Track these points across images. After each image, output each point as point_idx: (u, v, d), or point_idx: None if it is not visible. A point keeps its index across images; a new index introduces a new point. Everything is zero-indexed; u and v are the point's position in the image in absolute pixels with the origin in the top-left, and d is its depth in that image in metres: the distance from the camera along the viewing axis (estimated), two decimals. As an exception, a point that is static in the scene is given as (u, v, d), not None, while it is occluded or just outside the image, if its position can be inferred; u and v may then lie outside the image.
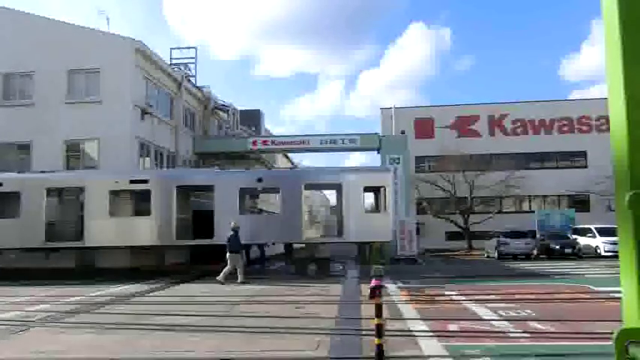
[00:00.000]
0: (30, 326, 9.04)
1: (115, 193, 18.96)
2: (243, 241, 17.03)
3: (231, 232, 16.52)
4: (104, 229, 18.24)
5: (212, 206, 18.59)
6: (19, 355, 6.87)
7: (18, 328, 8.86)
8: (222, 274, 16.13)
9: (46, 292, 14.24)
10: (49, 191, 18.75)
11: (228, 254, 16.45)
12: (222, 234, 17.46)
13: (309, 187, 19.11)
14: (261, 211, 28.04)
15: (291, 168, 23.03)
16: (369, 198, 19.06)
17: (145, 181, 18.77)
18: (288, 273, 20.13)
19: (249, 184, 19.34)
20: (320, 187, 20.24)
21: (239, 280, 15.88)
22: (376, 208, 19.64)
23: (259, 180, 18.91)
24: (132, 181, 18.97)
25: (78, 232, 18.53)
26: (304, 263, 18.93)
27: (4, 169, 21.62)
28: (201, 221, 18.98)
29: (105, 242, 18.56)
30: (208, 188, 19.09)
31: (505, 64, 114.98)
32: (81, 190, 18.86)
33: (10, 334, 8.34)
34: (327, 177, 19.82)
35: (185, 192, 19.74)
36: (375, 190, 19.55)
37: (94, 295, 13.48)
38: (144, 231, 18.39)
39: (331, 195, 56.60)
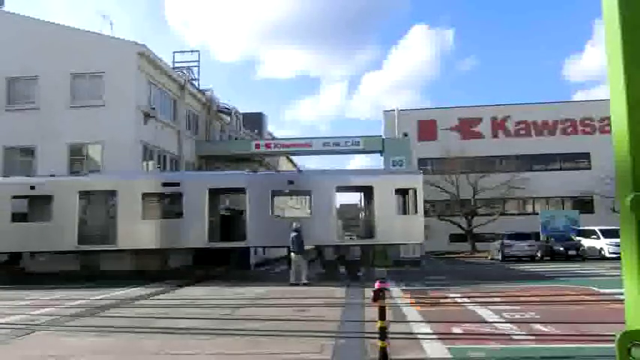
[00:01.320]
0: (34, 330, 9.06)
1: (147, 196, 19.01)
2: (273, 244, 16.97)
3: (294, 234, 16.55)
4: (137, 231, 18.23)
5: (243, 208, 18.58)
6: (23, 359, 6.88)
7: (22, 331, 8.87)
8: (291, 277, 16.24)
9: (50, 295, 14.27)
10: (82, 194, 18.71)
11: (291, 255, 16.51)
12: (254, 237, 17.47)
13: (340, 189, 19.10)
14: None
15: (322, 170, 23.03)
16: (394, 200, 18.91)
17: (176, 184, 18.84)
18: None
19: (281, 187, 19.36)
20: (351, 189, 20.27)
21: (301, 281, 15.92)
22: (404, 210, 19.53)
23: (291, 182, 18.91)
24: (164, 184, 19.07)
25: (111, 235, 18.52)
26: (334, 266, 18.91)
27: (9, 173, 21.72)
28: (230, 224, 18.97)
29: (138, 245, 18.56)
30: (240, 190, 19.12)
31: (508, 65, 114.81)
32: (113, 192, 18.84)
33: (15, 338, 8.35)
34: (358, 179, 19.82)
35: (215, 194, 19.72)
36: (404, 192, 19.50)
37: (97, 298, 13.50)
38: (176, 233, 18.39)
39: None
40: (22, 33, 24.01)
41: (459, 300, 11.97)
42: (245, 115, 36.58)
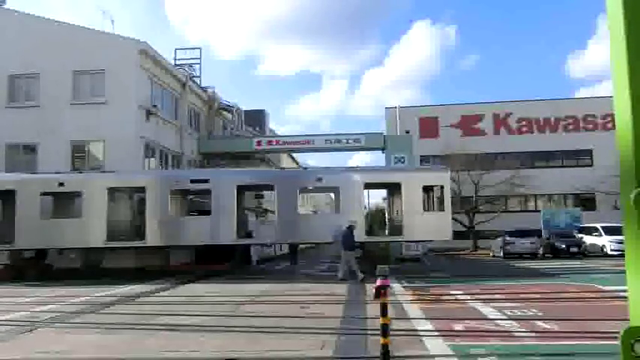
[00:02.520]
0: (37, 326, 9.08)
1: (175, 193, 19.06)
2: (297, 241, 17.04)
3: (346, 230, 16.60)
4: (165, 228, 18.27)
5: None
6: (25, 356, 6.90)
7: (25, 328, 8.89)
8: (340, 272, 16.35)
9: (53, 292, 14.29)
10: (110, 191, 18.74)
11: (342, 251, 16.54)
12: (283, 234, 17.58)
13: (368, 186, 19.11)
14: (266, 211, 28.07)
15: (350, 167, 23.13)
16: (422, 197, 18.91)
17: (205, 181, 18.88)
18: (293, 273, 20.15)
19: (309, 184, 19.37)
20: (379, 186, 20.29)
21: (358, 278, 15.94)
22: (431, 207, 19.51)
23: (319, 179, 18.92)
24: (192, 181, 19.12)
25: (140, 231, 18.57)
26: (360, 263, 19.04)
27: (11, 170, 21.76)
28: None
29: (166, 242, 18.63)
30: (269, 188, 19.14)
31: (510, 62, 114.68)
32: (142, 189, 18.88)
33: (17, 335, 8.38)
34: (386, 176, 19.83)
35: (241, 192, 19.80)
36: (428, 189, 19.49)
37: (99, 295, 13.52)
38: (204, 230, 18.43)
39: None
40: (24, 30, 24.03)
41: (460, 297, 11.97)
42: (247, 112, 36.58)
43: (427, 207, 19.07)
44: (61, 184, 18.51)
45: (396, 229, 19.17)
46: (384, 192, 23.13)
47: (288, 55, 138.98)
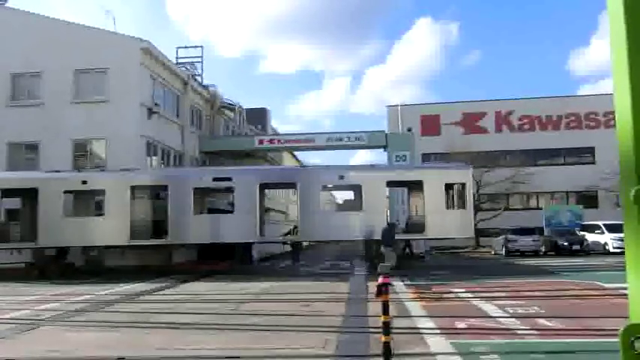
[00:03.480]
0: (39, 325, 9.11)
1: (198, 191, 19.09)
2: (322, 238, 17.14)
3: (387, 227, 16.67)
4: (188, 226, 18.28)
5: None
6: (28, 354, 6.92)
7: (27, 326, 8.92)
8: (379, 269, 16.29)
9: (55, 290, 14.33)
10: (134, 189, 18.75)
11: (382, 248, 16.65)
12: (306, 231, 17.69)
13: (391, 184, 19.12)
14: (267, 210, 28.08)
15: (372, 165, 23.12)
16: (444, 195, 18.89)
17: (228, 179, 18.91)
18: (295, 270, 20.16)
19: (331, 182, 19.41)
20: (401, 184, 20.30)
21: (390, 268, 15.99)
22: (452, 204, 19.50)
23: (341, 177, 18.94)
24: (215, 179, 19.14)
25: (162, 230, 18.59)
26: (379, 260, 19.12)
27: (13, 169, 21.82)
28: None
29: (189, 239, 18.71)
30: (291, 186, 19.17)
31: (513, 59, 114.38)
32: (165, 187, 18.89)
33: (20, 333, 8.40)
34: (408, 174, 19.84)
35: (262, 189, 19.83)
36: (450, 187, 19.45)
37: (102, 293, 13.55)
38: (228, 228, 18.44)
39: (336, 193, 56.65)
40: (26, 29, 24.05)
41: (462, 295, 11.97)
42: (249, 110, 36.57)
43: (448, 205, 19.07)
44: (84, 182, 18.55)
45: (418, 227, 19.22)
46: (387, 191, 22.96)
47: (289, 53, 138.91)
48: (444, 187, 18.60)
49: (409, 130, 32.27)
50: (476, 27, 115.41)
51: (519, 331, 7.69)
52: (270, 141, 31.16)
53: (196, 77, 30.74)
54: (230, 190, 18.94)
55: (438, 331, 7.68)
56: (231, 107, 33.85)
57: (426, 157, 35.83)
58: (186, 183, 18.61)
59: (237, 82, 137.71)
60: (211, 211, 20.15)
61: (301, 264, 24.18)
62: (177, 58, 31.02)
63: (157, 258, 21.68)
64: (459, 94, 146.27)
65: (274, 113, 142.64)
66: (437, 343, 6.97)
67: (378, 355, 5.99)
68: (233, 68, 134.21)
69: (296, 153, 43.90)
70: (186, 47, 32.57)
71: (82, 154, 23.41)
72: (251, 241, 18.77)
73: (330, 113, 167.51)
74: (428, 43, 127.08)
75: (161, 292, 13.86)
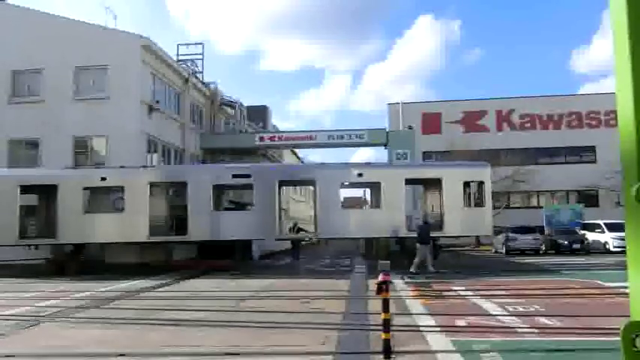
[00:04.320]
0: (40, 321, 9.13)
1: (217, 188, 19.17)
2: (342, 235, 17.23)
3: (422, 225, 16.75)
4: (207, 223, 18.31)
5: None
6: (29, 350, 6.93)
7: (28, 323, 8.94)
8: (413, 266, 16.46)
9: (56, 287, 14.36)
10: (152, 186, 18.75)
11: (417, 245, 16.72)
12: (325, 229, 17.78)
13: (409, 181, 19.17)
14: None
15: (390, 162, 23.18)
16: (462, 192, 18.91)
17: (247, 176, 18.99)
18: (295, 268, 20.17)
19: (350, 179, 19.45)
20: (419, 181, 20.35)
21: (430, 271, 16.09)
22: (469, 202, 19.51)
23: (360, 175, 18.97)
24: (234, 176, 19.19)
25: (181, 226, 18.63)
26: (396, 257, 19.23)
27: (14, 166, 21.82)
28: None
29: (208, 236, 18.73)
30: (309, 183, 19.22)
31: (514, 57, 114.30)
32: (184, 184, 18.92)
33: (22, 329, 8.42)
34: (427, 171, 19.90)
35: (281, 186, 19.87)
36: (467, 185, 19.46)
37: (102, 290, 13.58)
38: (246, 225, 18.54)
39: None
40: (27, 26, 24.03)
41: (462, 293, 11.97)
42: (249, 107, 36.52)
43: (466, 203, 19.13)
44: (104, 179, 18.59)
45: (436, 225, 19.33)
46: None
47: (290, 50, 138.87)
48: (462, 185, 18.67)
49: (410, 128, 32.28)
50: (477, 25, 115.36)
51: (519, 330, 7.70)
52: (271, 138, 31.13)
53: (197, 74, 30.71)
54: (249, 187, 19.00)
55: (438, 329, 7.69)
56: (231, 104, 33.82)
57: (427, 156, 35.84)
58: (205, 180, 18.65)
59: (237, 79, 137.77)
60: (238, 207, 20.19)
61: (302, 259, 24.22)
62: (177, 55, 31.00)
63: (158, 255, 21.70)
64: (459, 92, 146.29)
65: (275, 110, 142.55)
66: (437, 340, 6.98)
67: (378, 353, 6.00)
68: (233, 65, 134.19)
69: (296, 150, 43.94)
70: (186, 44, 32.56)
71: (82, 151, 23.41)
72: (271, 239, 18.89)
73: (331, 111, 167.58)
74: (429, 41, 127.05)
75: (162, 289, 13.89)
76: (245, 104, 35.27)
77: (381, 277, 6.04)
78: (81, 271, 17.99)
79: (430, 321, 8.34)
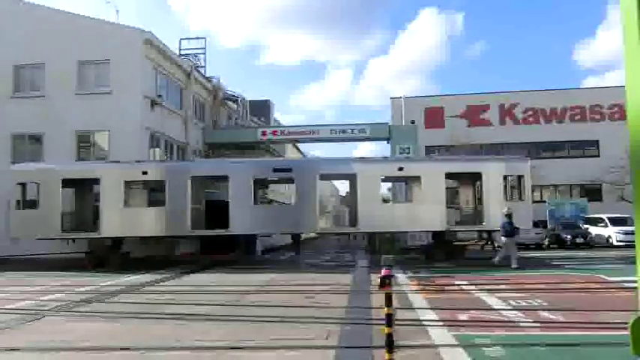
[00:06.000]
0: (43, 315, 9.16)
1: (258, 182, 19.32)
2: (382, 229, 17.39)
3: (506, 218, 16.87)
4: (248, 216, 18.34)
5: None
6: (32, 344, 6.95)
7: (32, 316, 8.97)
8: (497, 258, 16.67)
9: (59, 281, 14.41)
10: (194, 179, 18.79)
11: (503, 239, 16.88)
12: (365, 223, 17.90)
13: (449, 175, 19.23)
14: (271, 202, 28.09)
15: (430, 157, 23.29)
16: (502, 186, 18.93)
17: (288, 170, 19.17)
18: (298, 262, 20.19)
19: (391, 173, 19.49)
20: (459, 175, 20.45)
21: (512, 266, 16.08)
22: (508, 196, 19.46)
23: (400, 169, 19.02)
24: (275, 170, 19.48)
25: (222, 220, 18.63)
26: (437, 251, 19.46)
27: (18, 161, 21.87)
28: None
29: (249, 230, 18.87)
30: (351, 177, 19.31)
31: (518, 50, 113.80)
32: (225, 178, 18.99)
33: (25, 323, 8.45)
34: (467, 165, 19.88)
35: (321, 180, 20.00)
36: (506, 178, 19.45)
37: (105, 284, 13.61)
38: (287, 220, 18.67)
39: (340, 185, 56.65)
40: (29, 20, 24.02)
41: (465, 287, 11.97)
42: (252, 102, 36.49)
43: (507, 196, 19.15)
44: (145, 173, 18.67)
45: (476, 219, 19.42)
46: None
47: (292, 44, 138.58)
48: (502, 179, 18.71)
49: (412, 122, 32.19)
50: (481, 17, 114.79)
51: (522, 324, 7.69)
52: (274, 133, 31.12)
53: (199, 69, 30.68)
54: (290, 181, 19.06)
55: (441, 323, 7.68)
56: (234, 99, 33.80)
57: (430, 150, 35.75)
58: (246, 174, 18.70)
59: (238, 73, 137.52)
60: (279, 201, 20.32)
61: (304, 254, 24.26)
62: (180, 49, 30.97)
63: (161, 249, 21.76)
64: (463, 85, 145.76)
65: (276, 104, 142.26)
66: (439, 335, 6.98)
67: (380, 347, 6.00)
68: (234, 59, 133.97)
69: (299, 145, 43.87)
70: (188, 39, 32.53)
71: (85, 145, 23.44)
72: (312, 232, 18.99)
73: (333, 105, 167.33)
74: (432, 33, 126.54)
75: (165, 283, 13.92)
76: (248, 98, 35.26)
77: (383, 272, 6.03)
78: (122, 265, 18.11)
79: (433, 315, 8.34)
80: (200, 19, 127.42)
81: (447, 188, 19.19)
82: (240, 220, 18.11)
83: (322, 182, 20.88)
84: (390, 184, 31.08)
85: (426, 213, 18.15)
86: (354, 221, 18.69)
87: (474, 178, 19.94)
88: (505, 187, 19.12)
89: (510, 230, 16.83)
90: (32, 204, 18.65)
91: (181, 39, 32.00)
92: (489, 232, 20.37)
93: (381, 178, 19.06)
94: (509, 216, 16.82)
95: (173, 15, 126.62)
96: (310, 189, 18.38)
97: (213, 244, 21.70)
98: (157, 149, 24.29)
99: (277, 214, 19.39)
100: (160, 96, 24.34)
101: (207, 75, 31.57)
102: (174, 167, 19.57)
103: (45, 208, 18.21)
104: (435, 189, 18.25)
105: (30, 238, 18.84)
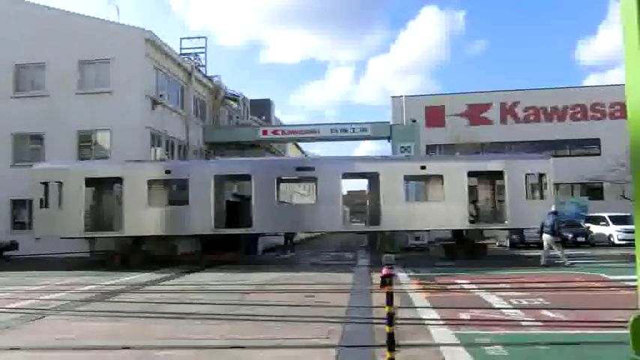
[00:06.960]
0: (45, 314, 9.17)
1: (281, 181, 19.42)
2: (406, 228, 18.02)
3: (552, 216, 16.99)
4: (271, 215, 18.36)
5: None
6: (34, 343, 6.97)
7: (33, 316, 8.99)
8: (543, 259, 16.77)
9: (61, 281, 14.43)
10: (216, 178, 18.80)
11: (546, 236, 17.07)
12: (389, 221, 17.98)
13: (471, 174, 19.26)
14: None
15: (453, 155, 23.36)
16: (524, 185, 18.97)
17: (311, 169, 19.18)
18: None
19: (413, 172, 19.47)
20: (482, 174, 20.49)
21: (566, 264, 16.16)
22: (530, 194, 19.46)
23: (423, 167, 19.04)
24: (298, 169, 19.58)
25: (246, 218, 18.68)
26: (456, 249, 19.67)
27: (19, 160, 21.90)
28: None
29: (272, 229, 19.10)
30: (372, 176, 19.34)
31: (519, 48, 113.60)
32: (248, 177, 19.01)
33: (27, 322, 8.47)
34: (490, 164, 19.91)
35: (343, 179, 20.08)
36: (527, 176, 19.38)
37: (107, 284, 13.63)
38: (310, 218, 18.68)
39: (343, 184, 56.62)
40: (30, 19, 24.04)
41: (466, 286, 11.97)
42: (252, 101, 36.51)
43: (528, 195, 19.16)
44: (168, 172, 18.81)
45: (497, 217, 19.38)
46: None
47: (292, 43, 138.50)
48: (524, 178, 18.73)
49: (413, 121, 32.15)
50: (482, 16, 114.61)
51: (523, 323, 7.69)
52: (274, 132, 31.12)
53: (200, 68, 30.68)
54: (313, 179, 19.16)
55: (442, 322, 7.69)
56: (234, 98, 33.81)
57: (431, 149, 35.72)
58: (269, 173, 18.74)
59: (238, 72, 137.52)
60: (302, 199, 20.42)
61: (305, 254, 24.24)
62: (180, 48, 30.98)
63: (162, 248, 21.73)
64: (464, 84, 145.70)
65: (277, 103, 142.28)
66: (440, 333, 6.98)
67: (382, 346, 6.00)
68: (235, 58, 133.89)
69: (300, 144, 43.87)
70: (189, 38, 32.56)
71: (86, 144, 23.46)
72: (335, 230, 19.02)
73: (334, 103, 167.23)
74: (433, 32, 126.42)
75: (166, 283, 13.93)
76: (248, 97, 35.26)
77: (384, 271, 6.03)
78: (143, 264, 18.14)
79: (434, 314, 8.34)
80: (200, 18, 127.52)
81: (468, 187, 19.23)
82: (264, 219, 18.15)
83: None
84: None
85: (448, 212, 18.22)
86: (376, 220, 18.67)
87: (494, 176, 19.89)
88: (533, 185, 19.15)
89: (554, 228, 16.85)
90: (54, 204, 18.48)
91: (182, 38, 32.18)
92: (510, 230, 20.34)
93: (404, 177, 19.06)
94: (555, 213, 16.81)
95: (173, 14, 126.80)
96: (334, 188, 18.45)
97: (215, 244, 21.69)
98: (158, 148, 24.31)
99: (301, 213, 19.39)
100: (160, 95, 24.35)
101: (207, 74, 31.58)
102: (197, 166, 19.61)
103: (68, 207, 18.20)
104: (457, 187, 18.31)
105: (53, 237, 18.77)
